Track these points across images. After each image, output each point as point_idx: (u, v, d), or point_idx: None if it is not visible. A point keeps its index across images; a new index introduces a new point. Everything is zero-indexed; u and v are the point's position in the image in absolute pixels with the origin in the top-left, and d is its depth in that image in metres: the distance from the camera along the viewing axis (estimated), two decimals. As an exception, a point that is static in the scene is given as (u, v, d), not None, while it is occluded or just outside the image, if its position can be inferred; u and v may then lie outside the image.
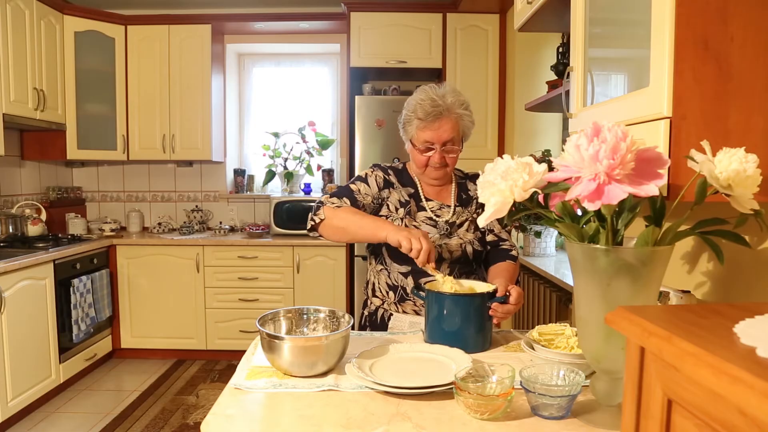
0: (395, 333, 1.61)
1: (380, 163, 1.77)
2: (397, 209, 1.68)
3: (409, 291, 1.65)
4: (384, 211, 1.69)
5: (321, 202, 1.65)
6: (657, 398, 0.62)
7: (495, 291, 1.42)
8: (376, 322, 1.70)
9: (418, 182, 1.74)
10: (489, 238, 1.74)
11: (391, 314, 1.68)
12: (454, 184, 1.76)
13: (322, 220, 1.62)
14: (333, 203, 1.63)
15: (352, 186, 1.69)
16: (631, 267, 0.92)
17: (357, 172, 3.89)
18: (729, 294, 1.22)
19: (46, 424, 3.04)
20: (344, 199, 1.65)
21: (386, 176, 1.72)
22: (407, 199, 1.70)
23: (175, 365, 3.94)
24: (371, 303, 1.74)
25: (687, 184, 0.91)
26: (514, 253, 1.71)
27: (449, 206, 1.71)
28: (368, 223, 1.56)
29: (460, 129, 1.63)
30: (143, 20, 4.07)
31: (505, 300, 1.41)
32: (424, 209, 1.69)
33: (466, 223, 1.70)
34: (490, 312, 1.40)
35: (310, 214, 1.66)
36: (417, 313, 1.65)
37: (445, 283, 1.46)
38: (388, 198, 1.70)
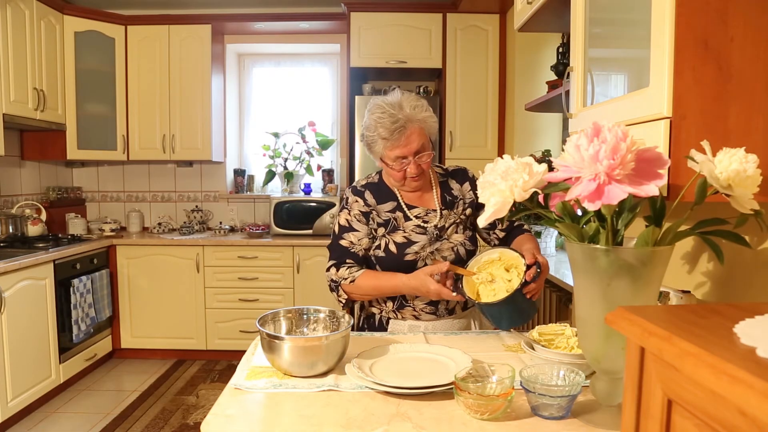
0: (396, 334, 1.61)
1: (356, 185, 1.72)
2: (377, 229, 1.66)
3: (408, 299, 1.63)
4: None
5: (334, 281, 1.64)
6: (657, 398, 0.62)
7: (525, 270, 1.43)
8: (374, 325, 1.70)
9: (397, 193, 1.69)
10: (501, 226, 1.73)
11: (389, 319, 1.68)
12: (436, 186, 1.71)
13: (347, 298, 1.64)
14: (344, 278, 1.61)
15: (343, 243, 1.66)
16: (631, 267, 0.92)
17: (357, 173, 3.91)
18: (729, 294, 1.22)
19: (46, 424, 3.04)
20: (347, 261, 1.64)
21: (365, 203, 1.67)
22: (386, 219, 1.66)
23: (175, 365, 3.94)
24: (367, 309, 1.73)
25: (687, 184, 0.91)
26: (525, 227, 1.73)
27: (435, 210, 1.68)
28: (387, 288, 1.59)
29: (426, 133, 1.59)
30: (143, 20, 4.07)
31: (536, 276, 1.42)
32: (409, 218, 1.65)
33: (453, 225, 1.67)
34: (528, 296, 1.43)
35: (334, 294, 1.66)
36: (416, 318, 1.64)
37: (480, 277, 1.48)
38: (373, 225, 1.66)
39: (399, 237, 1.63)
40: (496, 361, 1.21)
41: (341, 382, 1.19)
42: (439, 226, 1.66)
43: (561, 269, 2.76)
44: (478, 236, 1.75)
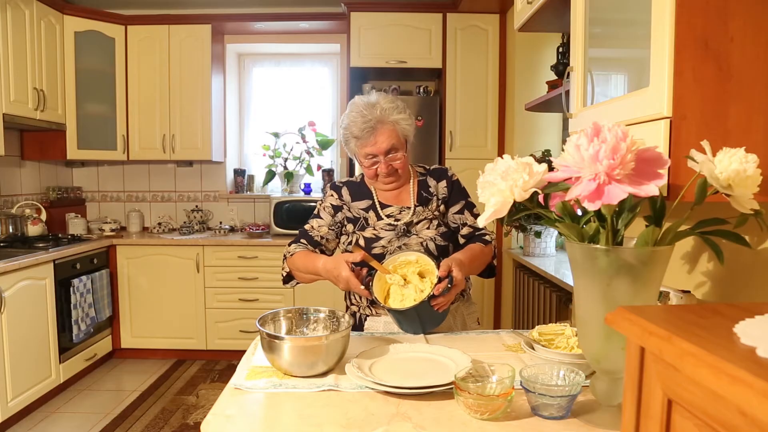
0: (386, 334, 1.61)
1: (336, 181, 1.79)
2: (346, 225, 1.72)
3: None
4: (343, 236, 1.74)
5: (284, 255, 1.73)
6: (657, 398, 0.62)
7: (433, 296, 1.45)
8: (355, 324, 1.72)
9: (374, 191, 1.73)
10: (464, 231, 1.73)
11: (367, 316, 1.69)
12: (413, 183, 1.74)
13: (288, 272, 1.73)
14: (289, 252, 1.72)
15: (306, 226, 1.76)
16: (631, 267, 0.92)
17: (357, 172, 3.90)
18: (729, 294, 1.22)
19: (46, 424, 3.04)
20: (302, 241, 1.73)
21: (339, 197, 1.74)
22: (357, 215, 1.71)
23: (175, 365, 3.94)
24: (350, 309, 1.77)
25: (687, 184, 0.91)
26: (487, 237, 1.73)
27: (409, 208, 1.71)
28: (310, 267, 1.63)
29: (399, 134, 1.63)
30: (143, 20, 4.07)
31: (445, 291, 1.44)
32: (381, 218, 1.69)
33: (424, 221, 1.69)
34: (436, 308, 1.48)
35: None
36: None
37: (393, 278, 1.51)
38: (343, 220, 1.73)
39: (368, 233, 1.68)
40: (496, 361, 1.21)
41: (341, 382, 1.19)
42: (408, 222, 1.69)
43: (561, 269, 2.76)
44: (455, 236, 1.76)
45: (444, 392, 1.12)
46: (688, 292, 1.26)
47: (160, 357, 4.04)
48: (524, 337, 1.34)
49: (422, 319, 1.50)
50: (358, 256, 1.50)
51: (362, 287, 1.48)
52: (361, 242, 1.67)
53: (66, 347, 3.39)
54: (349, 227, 1.71)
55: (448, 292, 1.45)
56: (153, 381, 3.65)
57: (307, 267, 1.65)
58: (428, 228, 1.69)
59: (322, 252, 1.73)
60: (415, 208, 1.70)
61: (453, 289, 1.46)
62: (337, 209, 1.73)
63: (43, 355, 3.17)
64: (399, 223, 1.68)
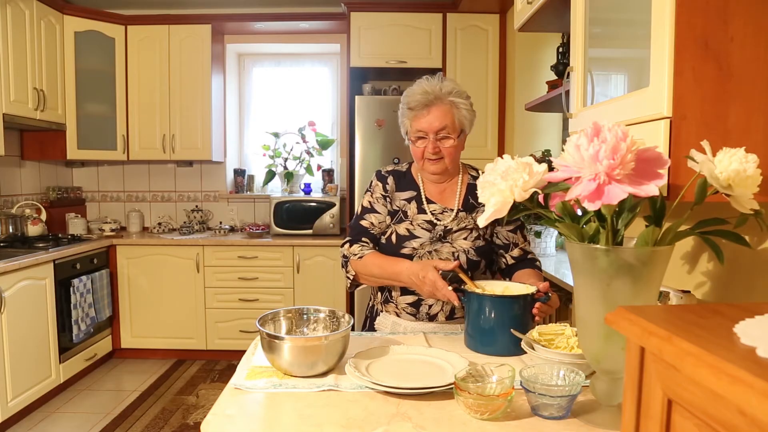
0: (389, 333, 1.61)
1: (381, 169, 1.73)
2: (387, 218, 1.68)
3: (393, 294, 1.64)
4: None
5: (345, 257, 1.66)
6: (657, 398, 0.62)
7: (536, 292, 1.41)
8: (372, 317, 1.74)
9: (421, 183, 1.68)
10: (515, 252, 1.67)
11: (380, 312, 1.70)
12: (462, 185, 1.68)
13: (355, 275, 1.64)
14: (355, 254, 1.62)
15: (364, 223, 1.67)
16: (631, 267, 0.92)
17: (357, 172, 3.90)
18: (729, 294, 1.22)
19: (46, 424, 3.04)
20: (363, 240, 1.64)
21: (385, 187, 1.68)
22: (397, 207, 1.66)
23: (175, 365, 3.94)
24: (371, 300, 1.77)
25: (687, 184, 0.91)
26: (539, 264, 1.69)
27: (452, 210, 1.65)
28: (389, 270, 1.56)
29: (455, 118, 1.56)
30: (143, 20, 4.07)
31: (546, 300, 1.40)
32: (424, 212, 1.64)
33: (463, 231, 1.62)
34: (534, 311, 1.39)
35: (343, 270, 1.67)
36: (398, 315, 1.65)
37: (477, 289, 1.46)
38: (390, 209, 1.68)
39: (402, 228, 1.63)
40: (496, 361, 1.21)
41: (341, 382, 1.19)
42: (448, 227, 1.63)
43: (561, 269, 2.76)
44: (493, 253, 1.70)
45: (444, 392, 1.12)
46: (688, 292, 1.26)
47: (160, 357, 4.04)
48: (524, 337, 1.34)
49: (517, 321, 1.36)
50: (450, 264, 1.46)
51: (450, 288, 1.42)
52: (393, 238, 1.62)
53: (66, 347, 3.39)
54: (388, 219, 1.67)
55: (548, 300, 1.40)
56: (153, 381, 3.65)
57: (384, 269, 1.57)
58: (465, 238, 1.62)
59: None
60: (458, 213, 1.64)
61: (550, 304, 1.42)
62: (387, 200, 1.67)
63: (43, 355, 3.17)
64: (439, 224, 1.62)
